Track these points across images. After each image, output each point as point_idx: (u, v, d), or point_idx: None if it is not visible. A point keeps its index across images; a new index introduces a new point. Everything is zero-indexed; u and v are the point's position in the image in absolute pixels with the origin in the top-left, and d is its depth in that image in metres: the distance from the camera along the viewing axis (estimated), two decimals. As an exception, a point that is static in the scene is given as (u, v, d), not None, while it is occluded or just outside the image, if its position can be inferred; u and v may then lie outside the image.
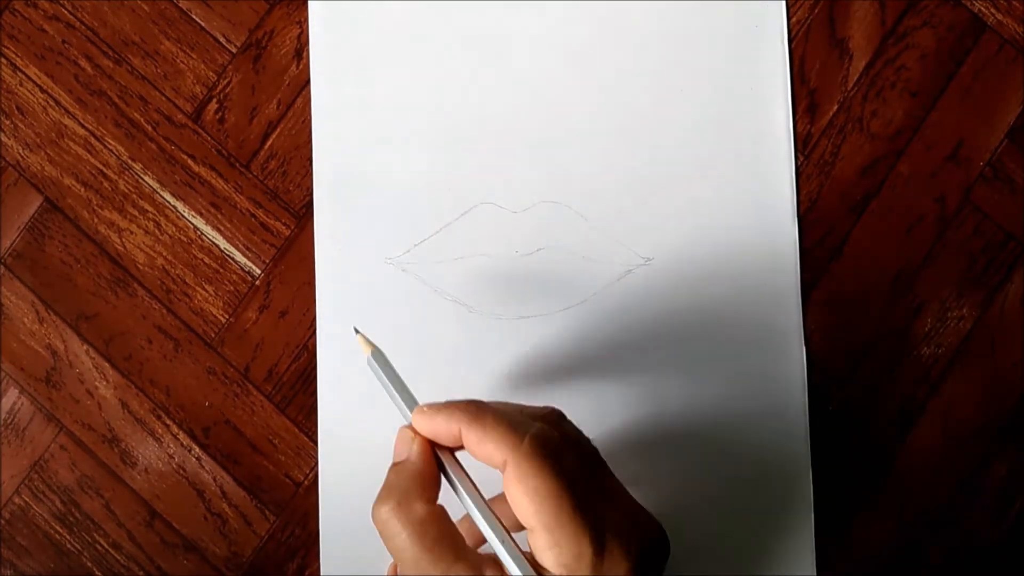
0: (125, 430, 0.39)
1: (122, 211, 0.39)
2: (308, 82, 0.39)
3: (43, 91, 0.40)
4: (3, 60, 0.40)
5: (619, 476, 0.30)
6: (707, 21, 0.39)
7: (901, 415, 0.38)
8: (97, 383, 0.39)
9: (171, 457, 0.39)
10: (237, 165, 0.40)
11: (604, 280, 0.38)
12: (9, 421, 0.39)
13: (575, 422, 0.30)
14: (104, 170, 0.40)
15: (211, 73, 0.40)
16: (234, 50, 0.40)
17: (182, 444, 0.39)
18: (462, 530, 0.28)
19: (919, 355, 0.38)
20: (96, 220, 0.39)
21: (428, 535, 0.26)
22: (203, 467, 0.39)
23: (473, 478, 0.28)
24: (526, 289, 0.38)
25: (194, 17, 0.40)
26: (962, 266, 0.39)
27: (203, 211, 0.39)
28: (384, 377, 0.30)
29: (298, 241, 0.39)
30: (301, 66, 0.40)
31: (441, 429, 0.28)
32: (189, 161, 0.40)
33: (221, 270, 0.39)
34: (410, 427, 0.29)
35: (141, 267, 0.39)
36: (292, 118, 0.40)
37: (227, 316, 0.39)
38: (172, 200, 0.39)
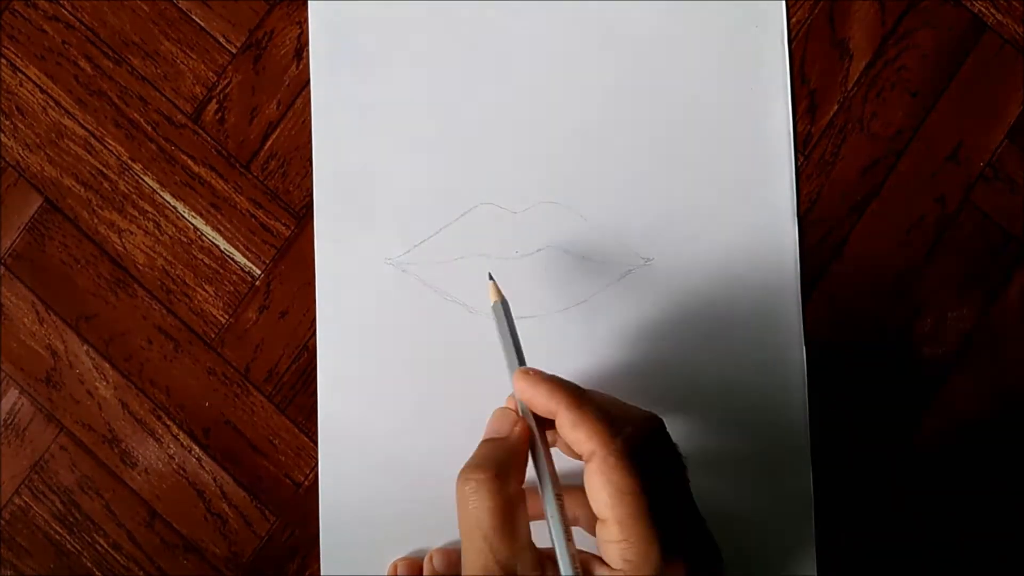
0: (125, 430, 0.39)
1: (122, 211, 0.39)
2: (308, 82, 0.39)
3: (43, 91, 0.40)
4: (3, 60, 0.40)
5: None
6: (707, 21, 0.39)
7: (901, 415, 0.38)
8: (97, 383, 0.39)
9: (171, 457, 0.39)
10: (237, 165, 0.40)
11: (604, 280, 0.38)
12: (9, 421, 0.39)
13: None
14: (104, 170, 0.40)
15: (211, 73, 0.40)
16: (234, 50, 0.40)
17: (182, 444, 0.39)
18: None
19: (919, 355, 0.38)
20: (96, 220, 0.39)
21: (511, 513, 0.27)
22: (203, 467, 0.39)
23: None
24: (526, 289, 0.38)
25: (194, 17, 0.40)
26: (962, 266, 0.39)
27: (203, 211, 0.39)
28: (504, 327, 0.32)
29: (298, 241, 0.39)
30: (301, 66, 0.40)
31: (539, 400, 0.29)
32: (189, 161, 0.40)
33: (221, 270, 0.39)
34: (512, 409, 0.30)
35: (141, 267, 0.39)
36: (292, 118, 0.40)
37: (227, 316, 0.39)
38: (172, 200, 0.39)
